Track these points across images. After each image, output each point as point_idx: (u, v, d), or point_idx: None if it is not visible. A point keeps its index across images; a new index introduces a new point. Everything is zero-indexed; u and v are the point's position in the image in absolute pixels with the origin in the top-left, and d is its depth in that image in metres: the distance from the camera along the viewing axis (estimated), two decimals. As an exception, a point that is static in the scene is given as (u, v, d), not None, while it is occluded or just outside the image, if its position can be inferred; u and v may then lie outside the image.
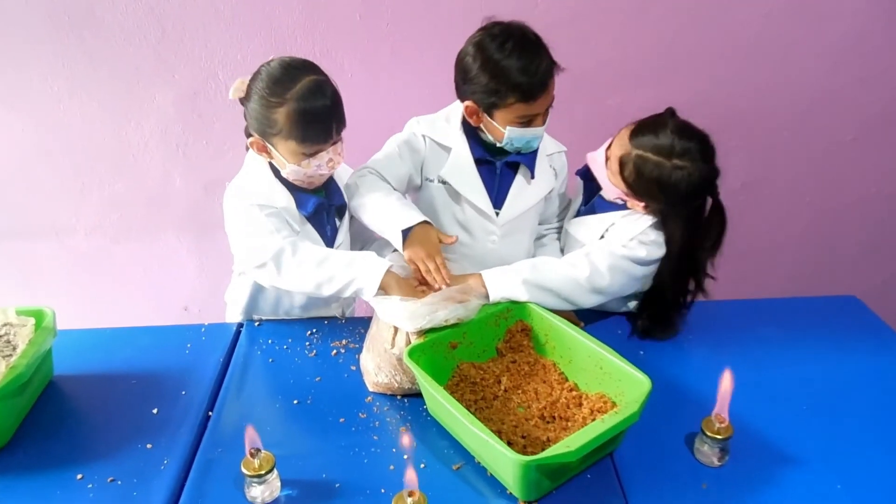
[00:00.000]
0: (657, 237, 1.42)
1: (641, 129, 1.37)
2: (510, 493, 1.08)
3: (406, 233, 1.36)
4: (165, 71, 1.89)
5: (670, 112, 1.38)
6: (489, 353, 1.35)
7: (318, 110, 1.31)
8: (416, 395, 1.29)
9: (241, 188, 1.43)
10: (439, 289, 1.32)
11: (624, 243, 1.42)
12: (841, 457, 1.16)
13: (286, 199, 1.42)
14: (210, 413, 1.27)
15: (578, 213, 1.60)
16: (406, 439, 1.14)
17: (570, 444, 0.99)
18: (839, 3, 1.99)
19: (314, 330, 1.52)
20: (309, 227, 1.47)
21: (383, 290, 1.32)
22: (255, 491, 1.06)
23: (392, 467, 1.13)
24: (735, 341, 1.47)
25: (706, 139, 1.35)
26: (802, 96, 2.12)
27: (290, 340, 1.48)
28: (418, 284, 1.36)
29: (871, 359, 1.41)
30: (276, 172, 1.44)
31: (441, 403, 1.10)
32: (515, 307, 1.36)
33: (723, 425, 1.11)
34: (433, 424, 1.24)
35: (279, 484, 1.09)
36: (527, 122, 1.41)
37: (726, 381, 1.12)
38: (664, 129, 1.33)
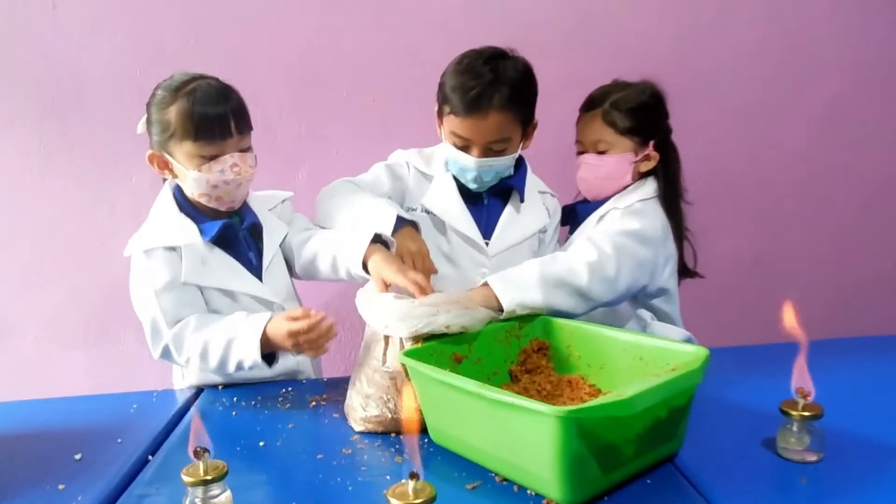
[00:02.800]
0: (645, 207, 1.40)
1: (590, 104, 1.44)
2: (548, 503, 0.80)
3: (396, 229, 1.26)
4: (146, 151, 1.82)
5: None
6: (501, 378, 1.11)
7: (210, 104, 1.23)
8: (414, 431, 1.03)
9: (137, 235, 1.31)
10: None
11: (616, 220, 1.36)
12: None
13: (190, 232, 1.29)
14: (150, 457, 0.99)
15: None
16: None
17: (621, 393, 0.75)
18: (822, 65, 2.07)
19: (289, 389, 1.27)
20: (221, 254, 1.31)
21: (270, 345, 1.20)
22: (198, 506, 0.77)
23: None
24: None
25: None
26: (799, 163, 2.12)
27: (259, 398, 1.23)
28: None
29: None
30: (181, 205, 1.33)
31: (446, 383, 0.86)
32: (528, 323, 1.15)
33: (808, 400, 0.87)
34: (438, 453, 0.96)
35: (232, 511, 0.80)
36: (462, 145, 1.35)
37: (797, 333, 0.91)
38: (602, 90, 1.44)
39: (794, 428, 0.87)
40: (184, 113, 1.23)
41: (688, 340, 1.42)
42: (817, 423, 0.87)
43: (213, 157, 1.25)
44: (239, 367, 1.21)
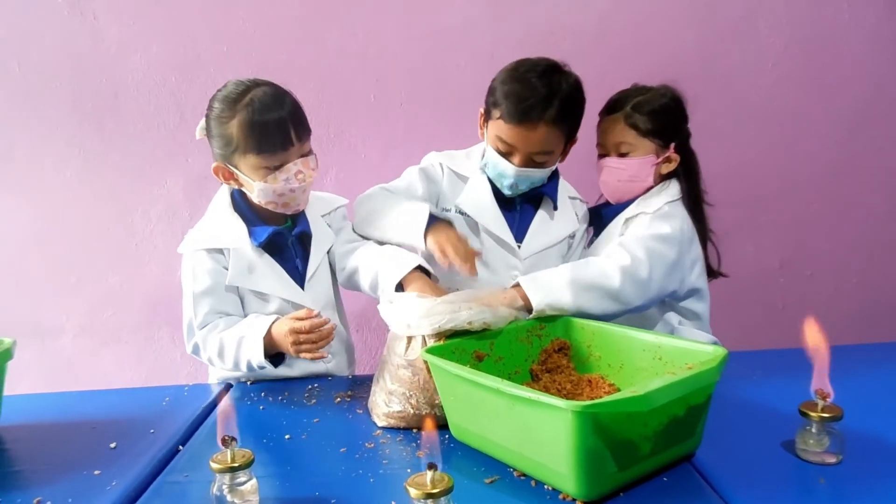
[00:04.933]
0: (673, 209, 1.41)
1: (612, 107, 1.45)
2: (564, 498, 0.81)
3: (428, 228, 1.26)
4: (180, 155, 1.91)
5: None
6: (522, 377, 1.12)
7: (270, 116, 1.23)
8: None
9: (192, 232, 1.36)
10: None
11: (646, 224, 1.37)
12: None
13: (239, 234, 1.32)
14: (181, 447, 1.03)
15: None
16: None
17: (636, 389, 0.76)
18: (847, 69, 2.05)
19: (315, 385, 1.30)
20: (268, 259, 1.34)
21: (274, 345, 1.25)
22: (224, 492, 0.80)
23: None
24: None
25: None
26: (825, 166, 2.10)
27: (286, 393, 1.26)
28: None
29: None
30: (237, 206, 1.36)
31: (466, 379, 0.88)
32: (549, 323, 1.16)
33: (828, 402, 0.87)
34: (459, 448, 0.98)
35: (257, 499, 0.83)
36: (505, 151, 1.36)
37: (820, 347, 0.90)
38: (623, 93, 1.46)
39: (814, 429, 0.87)
40: (245, 128, 1.23)
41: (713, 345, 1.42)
42: (837, 425, 0.87)
43: (277, 168, 1.26)
44: (249, 367, 1.25)
